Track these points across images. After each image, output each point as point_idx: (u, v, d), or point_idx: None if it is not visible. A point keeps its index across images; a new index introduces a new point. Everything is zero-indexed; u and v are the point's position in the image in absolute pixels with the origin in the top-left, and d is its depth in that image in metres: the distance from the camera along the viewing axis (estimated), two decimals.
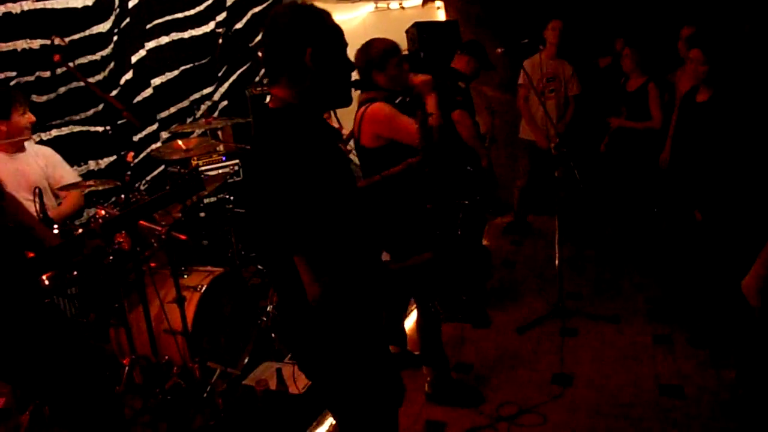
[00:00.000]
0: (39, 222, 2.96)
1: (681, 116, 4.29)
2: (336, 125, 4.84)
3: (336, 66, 1.85)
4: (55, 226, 3.20)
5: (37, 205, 3.21)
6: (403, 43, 6.28)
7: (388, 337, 2.24)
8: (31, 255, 2.68)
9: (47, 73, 4.00)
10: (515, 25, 5.73)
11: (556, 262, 4.32)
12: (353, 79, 2.02)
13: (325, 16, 1.84)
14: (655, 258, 5.00)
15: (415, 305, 4.25)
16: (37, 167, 3.75)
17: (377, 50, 3.19)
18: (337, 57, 1.85)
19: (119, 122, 3.93)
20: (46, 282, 3.12)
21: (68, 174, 3.88)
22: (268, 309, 4.17)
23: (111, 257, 3.32)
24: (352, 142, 4.41)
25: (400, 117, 3.13)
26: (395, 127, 3.09)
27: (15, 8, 3.80)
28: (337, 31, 1.84)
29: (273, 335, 4.08)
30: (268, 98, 5.41)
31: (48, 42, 3.93)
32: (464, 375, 3.78)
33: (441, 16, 7.32)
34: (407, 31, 6.19)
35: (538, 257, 5.48)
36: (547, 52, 5.64)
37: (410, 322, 4.17)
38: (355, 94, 2.71)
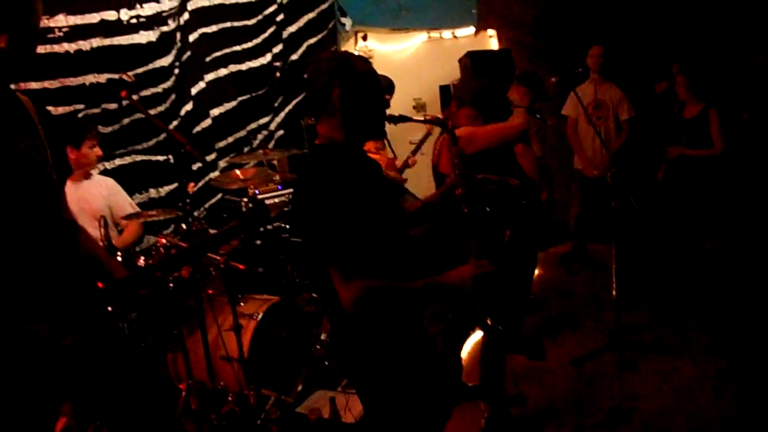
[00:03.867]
0: (106, 253, 3.07)
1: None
2: (390, 155, 4.89)
3: (364, 106, 2.07)
4: (118, 254, 3.31)
5: (102, 234, 3.32)
6: (456, 72, 6.34)
7: (440, 361, 2.33)
8: (101, 285, 2.77)
9: (112, 106, 4.18)
10: (568, 54, 5.71)
11: (614, 292, 4.24)
12: (389, 114, 2.27)
13: (356, 62, 2.09)
14: (717, 289, 4.86)
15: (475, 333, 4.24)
16: (100, 196, 3.90)
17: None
18: (365, 98, 2.07)
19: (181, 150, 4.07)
20: (110, 308, 3.22)
21: (127, 204, 4.03)
22: (321, 337, 4.19)
23: (172, 285, 3.40)
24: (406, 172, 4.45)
25: (480, 128, 3.18)
26: (477, 137, 3.14)
27: (85, 45, 4.00)
28: (366, 76, 2.08)
29: (327, 363, 4.09)
30: None
31: (114, 75, 4.12)
32: (519, 408, 3.72)
33: (494, 45, 7.34)
34: (460, 60, 6.21)
35: (595, 287, 5.38)
36: (591, 79, 5.61)
37: (467, 354, 4.13)
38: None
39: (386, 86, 4.78)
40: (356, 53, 6.76)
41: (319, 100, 2.07)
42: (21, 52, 1.80)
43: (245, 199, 4.21)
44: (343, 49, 6.69)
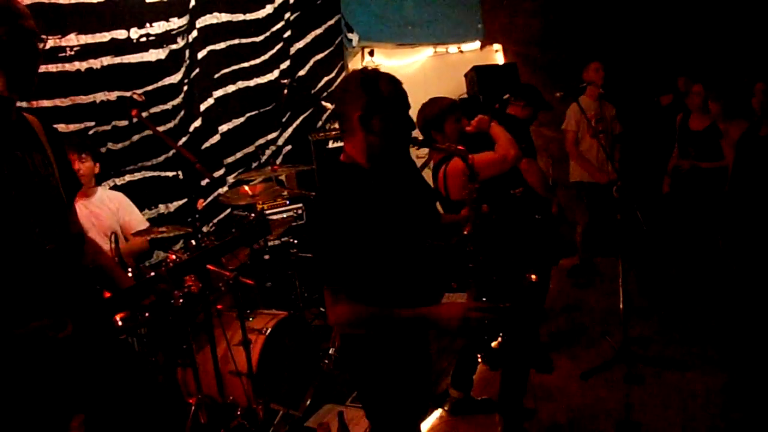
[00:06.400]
0: (116, 264, 3.10)
1: (742, 151, 4.28)
2: None
3: (384, 130, 2.04)
4: (129, 270, 3.34)
5: (112, 249, 3.36)
6: (462, 87, 6.38)
7: (427, 376, 2.40)
8: (108, 295, 2.81)
9: (122, 123, 4.23)
10: (573, 68, 5.75)
11: (621, 305, 4.24)
12: (414, 137, 2.20)
13: (382, 83, 2.04)
14: (723, 299, 4.85)
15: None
16: (109, 211, 3.94)
17: (432, 111, 3.29)
18: (386, 122, 2.03)
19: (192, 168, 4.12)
20: (120, 323, 3.26)
21: (137, 219, 4.06)
22: (330, 352, 4.21)
23: (181, 300, 3.43)
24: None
25: (478, 157, 3.19)
26: (479, 168, 3.15)
27: (96, 64, 4.05)
28: (389, 99, 2.03)
29: (335, 377, 4.11)
30: (330, 143, 5.45)
31: (123, 93, 4.17)
32: (526, 422, 3.72)
33: (499, 59, 7.40)
34: (466, 75, 6.28)
35: (603, 300, 5.38)
36: (593, 94, 5.63)
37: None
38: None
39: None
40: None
41: (341, 120, 2.10)
42: (22, 60, 1.87)
43: (253, 215, 4.25)
44: (349, 64, 6.75)
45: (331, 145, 5.65)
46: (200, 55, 4.92)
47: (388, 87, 2.04)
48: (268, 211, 4.76)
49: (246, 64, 5.40)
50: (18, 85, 1.89)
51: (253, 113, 5.47)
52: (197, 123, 4.87)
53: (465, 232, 2.33)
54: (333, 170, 2.20)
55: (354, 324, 2.02)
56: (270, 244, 4.51)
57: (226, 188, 5.04)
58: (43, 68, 3.81)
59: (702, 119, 5.25)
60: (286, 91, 5.61)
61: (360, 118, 2.01)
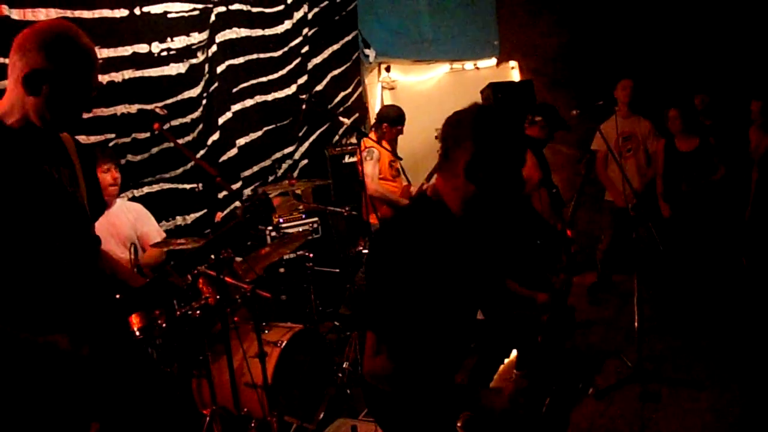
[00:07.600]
0: (134, 274, 3.13)
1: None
2: (405, 183, 4.94)
3: (492, 182, 1.86)
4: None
5: (132, 259, 3.40)
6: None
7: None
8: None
9: (142, 135, 4.29)
10: (590, 85, 5.75)
11: (636, 323, 4.22)
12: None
13: (497, 133, 1.85)
14: (740, 317, 4.82)
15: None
16: (127, 221, 3.98)
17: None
18: (497, 175, 1.85)
19: (213, 181, 4.15)
20: (138, 333, 3.28)
21: (155, 230, 4.10)
22: (344, 366, 4.22)
23: (198, 312, 3.45)
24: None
25: None
26: None
27: (117, 77, 4.12)
28: (505, 152, 1.85)
29: (349, 391, 4.12)
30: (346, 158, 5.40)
31: (144, 106, 4.24)
32: None
33: (515, 76, 7.42)
34: (482, 92, 6.29)
35: (619, 318, 5.35)
36: (621, 112, 5.59)
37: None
38: None
39: (397, 117, 4.85)
40: (380, 84, 6.89)
41: (445, 152, 1.90)
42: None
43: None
44: (366, 79, 6.79)
45: (347, 159, 5.69)
46: (219, 69, 4.99)
47: (504, 139, 1.85)
48: (284, 225, 4.79)
49: (264, 79, 5.47)
50: (58, 124, 1.94)
51: (271, 127, 5.53)
52: (215, 136, 4.93)
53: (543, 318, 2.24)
54: (415, 206, 2.10)
55: (388, 383, 1.90)
56: (286, 257, 4.53)
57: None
58: None
59: (688, 141, 5.30)
60: (304, 106, 5.66)
61: (467, 164, 1.83)
